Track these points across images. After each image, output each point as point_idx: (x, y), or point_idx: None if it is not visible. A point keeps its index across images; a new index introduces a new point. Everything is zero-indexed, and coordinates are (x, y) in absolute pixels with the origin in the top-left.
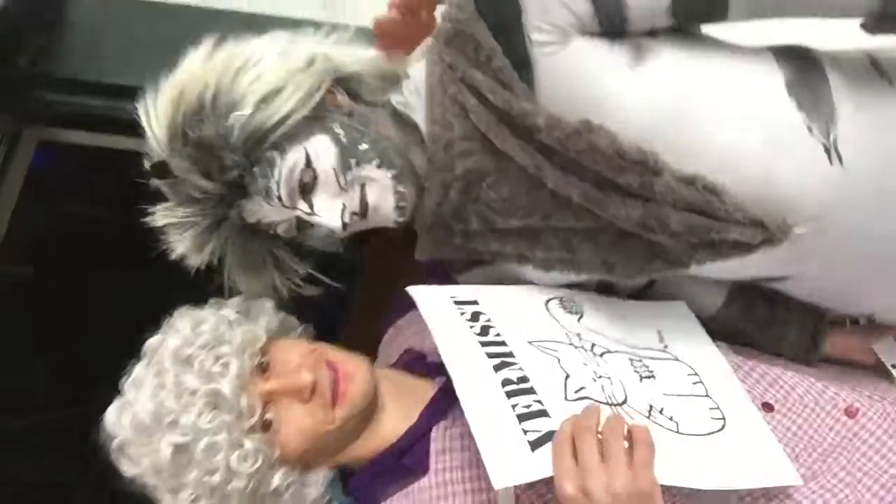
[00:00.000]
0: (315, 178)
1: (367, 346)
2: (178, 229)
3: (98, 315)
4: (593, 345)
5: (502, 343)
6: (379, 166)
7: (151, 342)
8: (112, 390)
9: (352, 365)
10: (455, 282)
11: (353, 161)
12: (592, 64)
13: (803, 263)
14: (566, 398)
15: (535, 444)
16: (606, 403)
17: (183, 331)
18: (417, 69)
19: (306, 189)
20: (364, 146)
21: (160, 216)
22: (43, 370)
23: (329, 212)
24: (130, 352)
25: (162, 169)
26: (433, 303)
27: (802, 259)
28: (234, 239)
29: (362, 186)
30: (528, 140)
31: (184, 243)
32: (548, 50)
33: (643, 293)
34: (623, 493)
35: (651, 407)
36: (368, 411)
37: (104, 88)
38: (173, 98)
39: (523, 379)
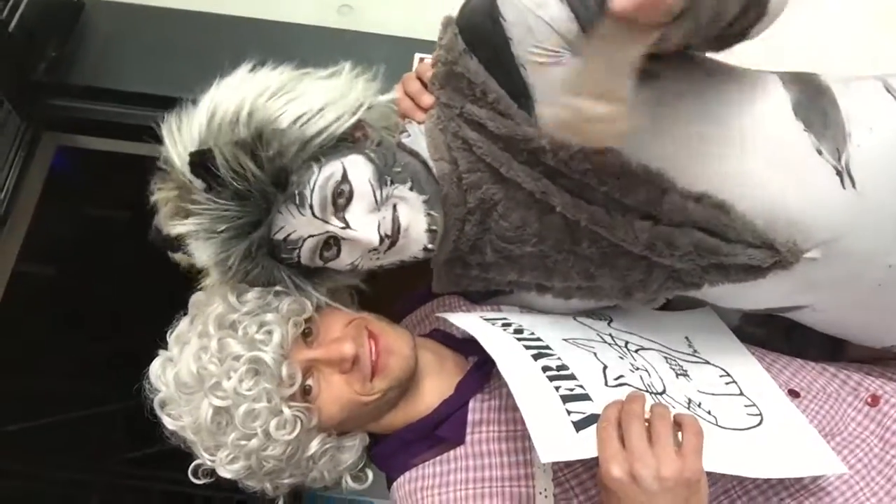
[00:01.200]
0: (351, 192)
1: None
2: (209, 226)
3: (119, 315)
4: (627, 342)
5: (538, 339)
6: (411, 189)
7: (197, 297)
8: (133, 391)
9: (392, 338)
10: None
11: (388, 178)
12: None
13: (818, 292)
14: (606, 384)
15: (579, 425)
16: (646, 391)
17: (229, 298)
18: None
19: (340, 205)
20: (397, 169)
21: (194, 209)
22: (64, 370)
23: (365, 226)
24: (152, 352)
25: (201, 157)
26: (465, 318)
27: (817, 287)
28: (264, 266)
29: (394, 207)
30: (534, 164)
31: (209, 247)
32: (541, 61)
33: (664, 307)
34: (671, 479)
35: (689, 400)
36: (408, 383)
37: (121, 95)
38: (209, 109)
39: (563, 367)
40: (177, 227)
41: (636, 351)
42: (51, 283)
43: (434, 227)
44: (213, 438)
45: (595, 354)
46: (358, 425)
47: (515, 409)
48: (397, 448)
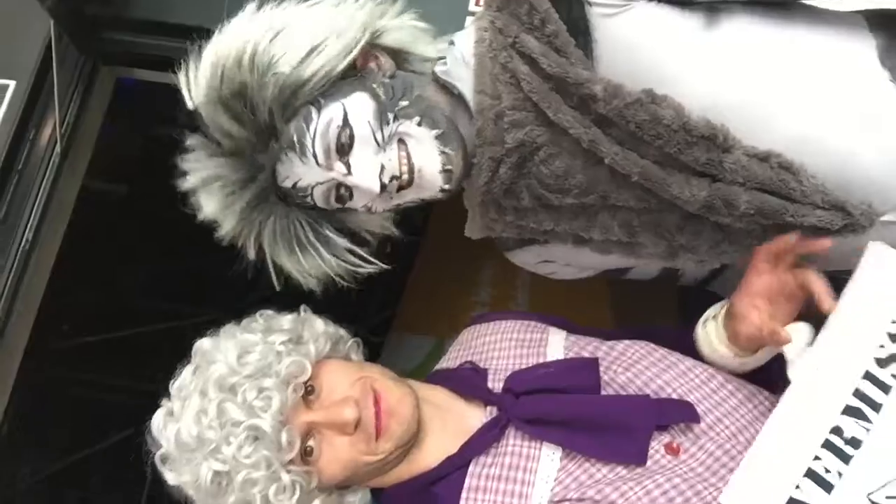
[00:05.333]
0: (352, 137)
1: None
2: (206, 183)
3: (193, 232)
4: None
5: (884, 386)
6: (419, 124)
7: (201, 346)
8: (201, 308)
9: (396, 398)
10: None
11: (390, 116)
12: (659, 29)
13: None
14: (868, 494)
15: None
16: None
17: (229, 359)
18: (464, 37)
19: (343, 150)
20: (404, 103)
21: (189, 167)
22: (139, 285)
23: (366, 172)
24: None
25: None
26: (882, 266)
27: None
28: (277, 215)
29: (402, 144)
30: (584, 111)
31: (212, 201)
32: (608, 11)
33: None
34: None
35: None
36: (411, 441)
37: (177, 29)
38: (214, 54)
39: (855, 442)
40: (184, 184)
41: None
42: (122, 202)
43: (449, 167)
44: (214, 499)
45: None
46: (361, 482)
47: (514, 481)
48: (401, 498)
